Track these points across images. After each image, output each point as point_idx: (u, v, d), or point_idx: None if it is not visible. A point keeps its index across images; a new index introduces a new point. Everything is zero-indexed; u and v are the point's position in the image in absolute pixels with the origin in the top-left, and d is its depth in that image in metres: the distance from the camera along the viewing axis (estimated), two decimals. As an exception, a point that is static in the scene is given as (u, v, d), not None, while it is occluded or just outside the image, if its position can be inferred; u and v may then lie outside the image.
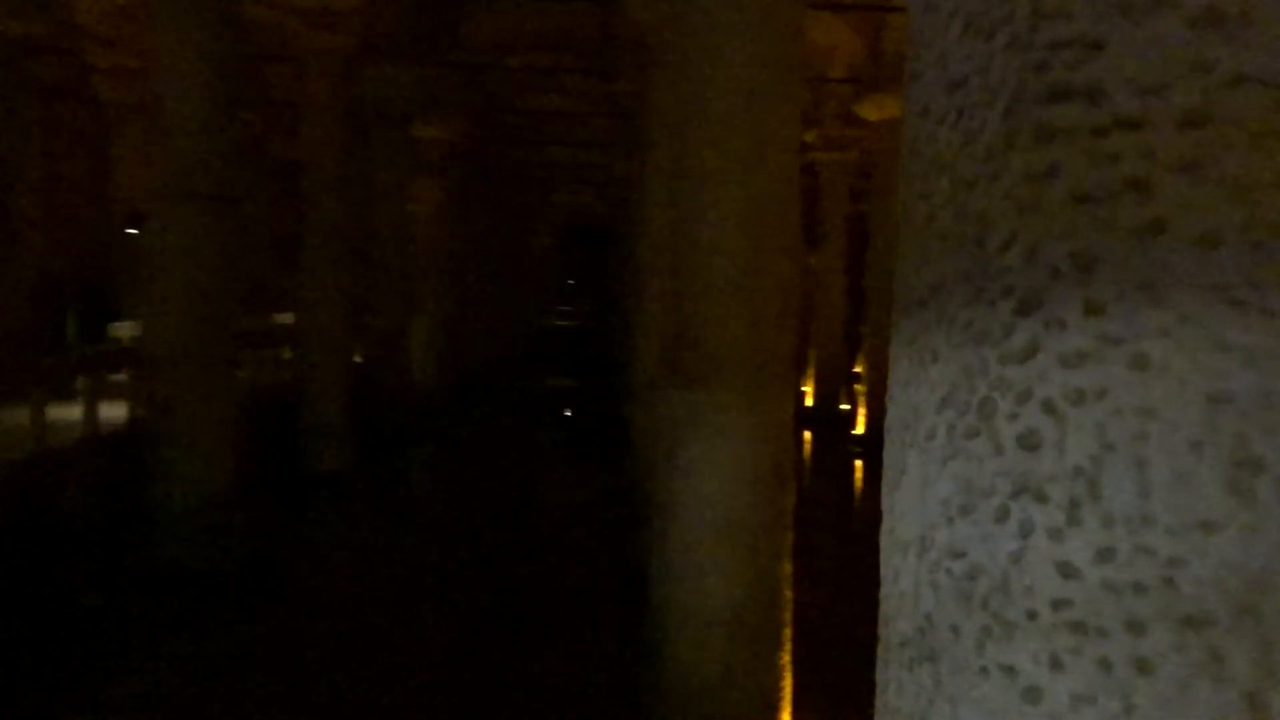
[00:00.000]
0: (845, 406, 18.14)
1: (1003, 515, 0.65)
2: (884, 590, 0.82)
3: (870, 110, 14.06)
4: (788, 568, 4.23)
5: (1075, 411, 0.59)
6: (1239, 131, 0.54)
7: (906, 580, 0.76)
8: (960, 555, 0.69)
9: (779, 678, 4.19)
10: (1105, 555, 0.60)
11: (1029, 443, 0.62)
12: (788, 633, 4.24)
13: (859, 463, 14.66)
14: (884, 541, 0.82)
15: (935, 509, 0.71)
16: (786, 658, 4.23)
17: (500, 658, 6.19)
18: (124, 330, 12.27)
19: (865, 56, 13.74)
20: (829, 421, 17.39)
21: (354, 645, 6.34)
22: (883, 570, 0.83)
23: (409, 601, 7.52)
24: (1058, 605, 0.62)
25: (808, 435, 16.62)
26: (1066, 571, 0.62)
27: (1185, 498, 0.56)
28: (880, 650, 0.84)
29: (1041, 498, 0.62)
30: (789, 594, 4.25)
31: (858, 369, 18.81)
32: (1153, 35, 0.56)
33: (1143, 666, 0.59)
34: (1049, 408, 0.60)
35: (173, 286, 7.34)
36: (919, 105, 0.74)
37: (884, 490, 0.83)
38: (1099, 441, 0.58)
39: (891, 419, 0.80)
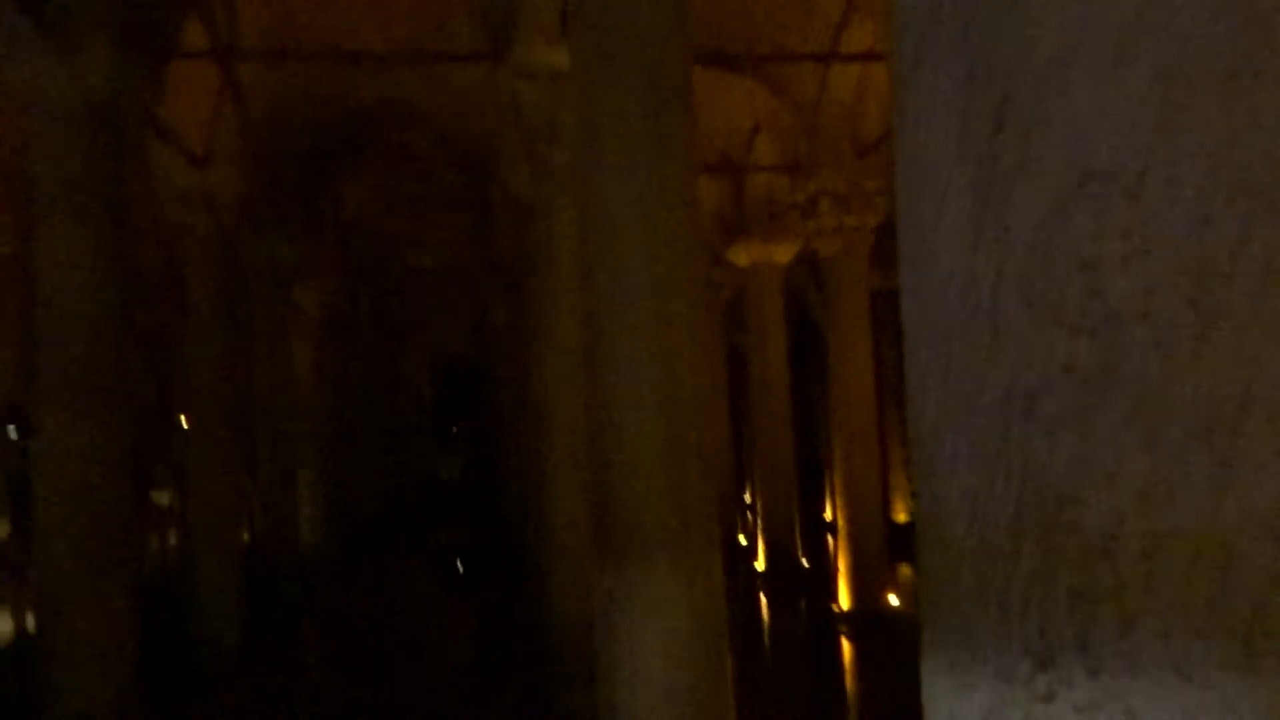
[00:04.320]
0: (805, 563, 15.33)
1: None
2: None
3: (740, 255, 14.89)
4: (731, 730, 4.36)
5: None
6: (1180, 559, 0.83)
7: None
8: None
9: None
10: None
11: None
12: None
13: (846, 643, 11.59)
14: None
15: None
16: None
17: None
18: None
19: (731, 207, 14.65)
20: (790, 584, 14.65)
21: None
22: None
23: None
24: None
25: (764, 601, 14.25)
26: None
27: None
28: None
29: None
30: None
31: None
32: (1112, 497, 0.86)
33: None
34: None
35: (62, 491, 7.11)
36: (934, 496, 1.02)
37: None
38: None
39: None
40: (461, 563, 21.85)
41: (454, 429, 47.77)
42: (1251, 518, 0.82)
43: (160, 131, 9.47)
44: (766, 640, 13.11)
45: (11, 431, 13.99)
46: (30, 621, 8.51)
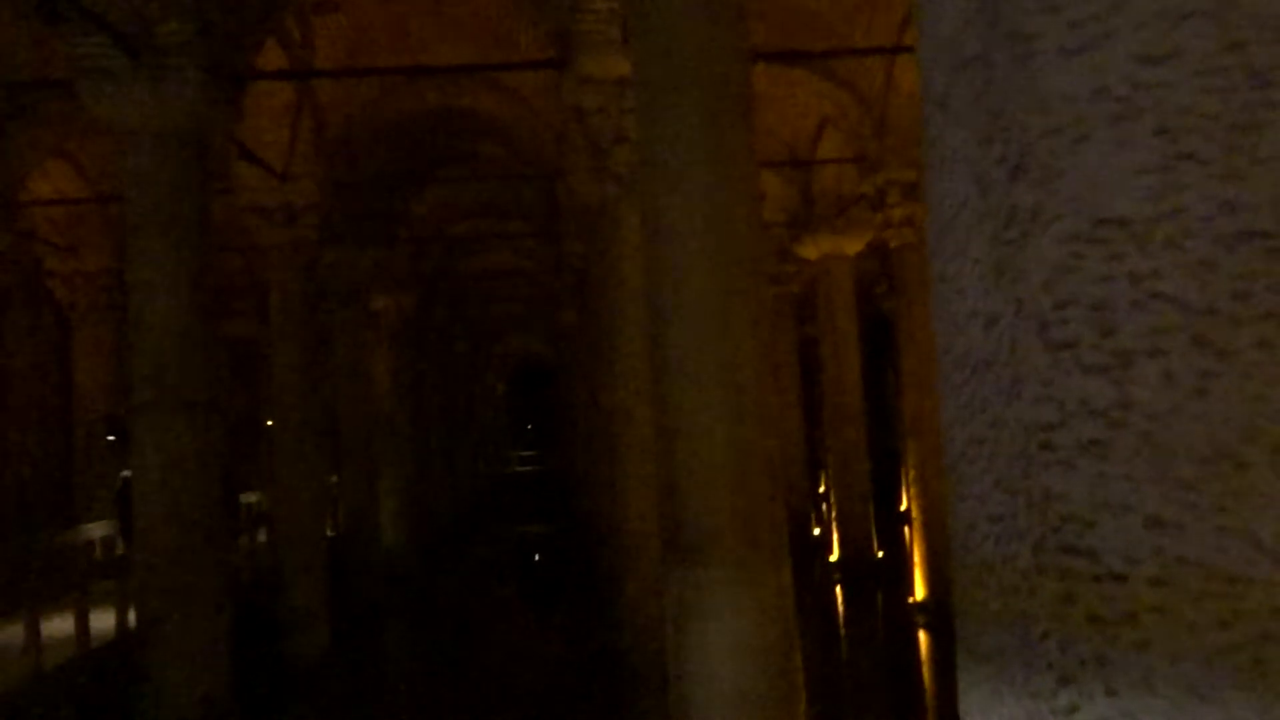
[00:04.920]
0: (881, 554, 15.22)
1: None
2: None
3: (809, 249, 14.84)
4: (803, 733, 4.42)
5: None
6: (1191, 586, 0.88)
7: None
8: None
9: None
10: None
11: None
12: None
13: (923, 635, 11.43)
14: None
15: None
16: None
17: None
18: (95, 532, 12.19)
19: (799, 202, 14.60)
20: (865, 575, 14.59)
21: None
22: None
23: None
24: None
25: (839, 593, 13.95)
26: None
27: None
28: None
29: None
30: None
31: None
32: (1126, 526, 0.91)
33: None
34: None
35: (158, 495, 7.45)
36: (967, 521, 1.08)
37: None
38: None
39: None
40: (537, 557, 22.21)
41: (528, 427, 48.42)
42: (1258, 547, 0.87)
43: (243, 151, 9.83)
44: (843, 632, 13.08)
45: (112, 440, 14.65)
46: (132, 620, 8.93)
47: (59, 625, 8.33)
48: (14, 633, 8.05)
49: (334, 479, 15.13)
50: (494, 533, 25.78)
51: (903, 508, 19.84)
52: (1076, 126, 0.95)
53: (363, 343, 15.16)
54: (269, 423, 24.19)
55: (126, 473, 10.34)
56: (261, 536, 14.03)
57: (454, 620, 14.66)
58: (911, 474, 12.18)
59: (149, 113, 7.66)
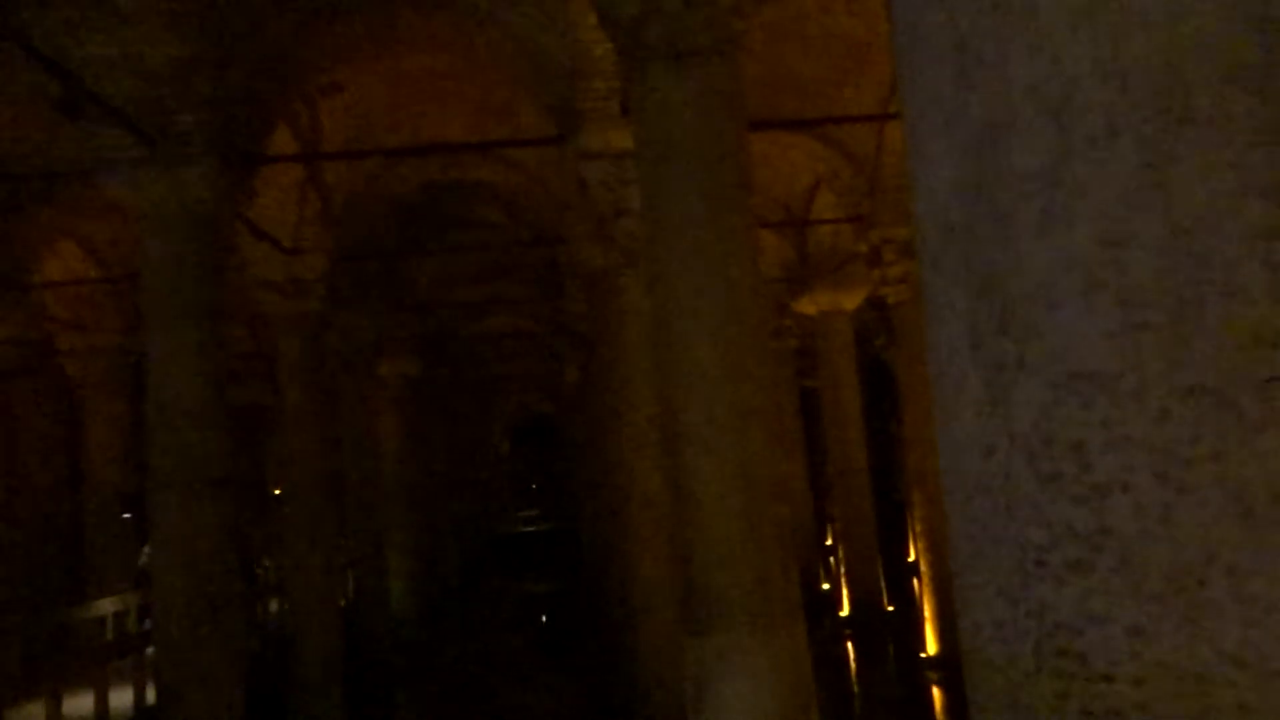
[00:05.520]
0: (891, 608, 15.27)
1: None
2: None
3: (807, 306, 15.08)
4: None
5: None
6: (1165, 686, 1.04)
7: None
8: None
9: None
10: None
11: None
12: None
13: (936, 691, 11.36)
14: None
15: None
16: None
17: None
18: (107, 607, 12.21)
19: (796, 258, 14.86)
20: (876, 629, 14.67)
21: None
22: None
23: None
24: None
25: (850, 649, 13.90)
26: None
27: None
28: None
29: None
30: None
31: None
32: (1108, 634, 1.08)
33: None
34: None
35: (179, 573, 7.56)
36: (973, 622, 1.24)
37: None
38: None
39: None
40: (545, 616, 22.15)
41: (531, 486, 48.36)
42: (1220, 654, 1.03)
43: (252, 228, 10.08)
44: (856, 689, 13.03)
45: (127, 517, 14.74)
46: (150, 696, 8.98)
47: (75, 704, 8.37)
48: (34, 711, 8.10)
49: (342, 544, 15.18)
50: (500, 592, 25.70)
51: (911, 559, 19.85)
52: (1050, 293, 1.13)
53: (370, 408, 15.33)
54: (275, 490, 24.31)
55: (147, 550, 10.43)
56: (273, 605, 14.05)
57: (466, 684, 14.62)
58: (919, 527, 12.26)
59: (165, 198, 7.91)
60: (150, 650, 9.14)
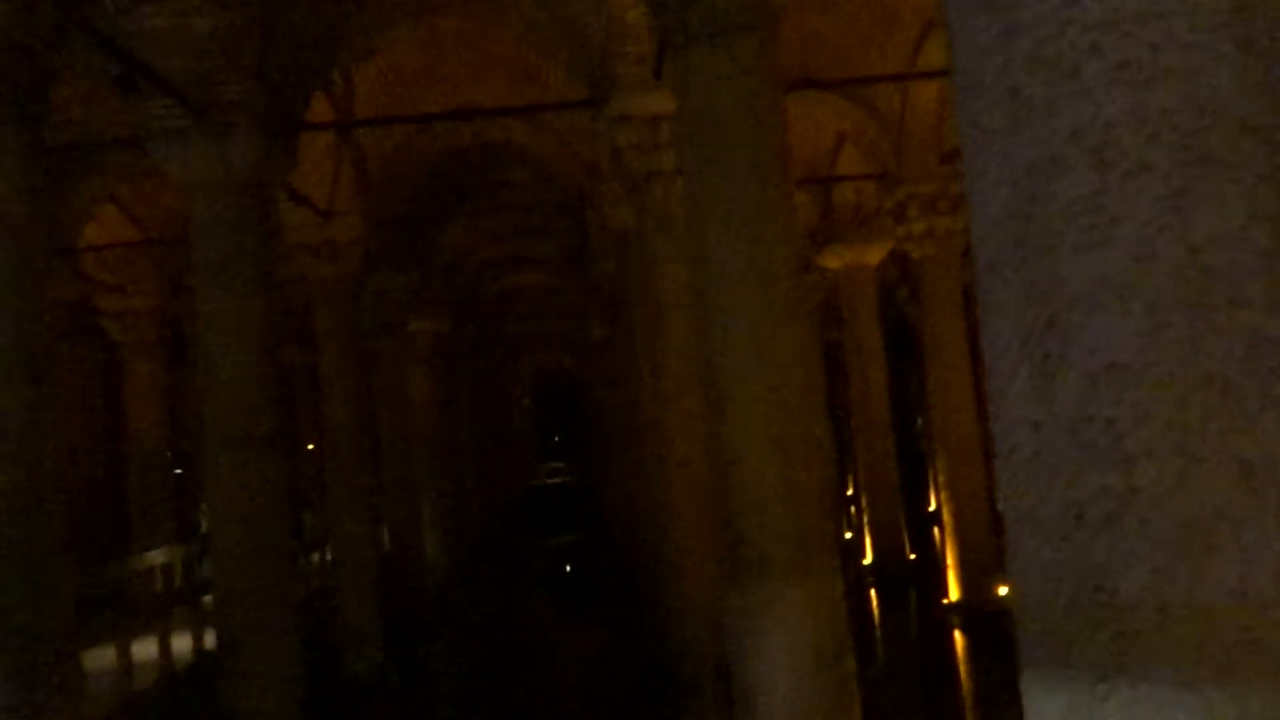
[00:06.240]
0: (913, 556, 15.57)
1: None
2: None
3: (831, 260, 15.25)
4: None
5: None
6: (1182, 616, 1.31)
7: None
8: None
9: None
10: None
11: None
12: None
13: (958, 635, 11.72)
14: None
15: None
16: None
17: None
18: (157, 559, 12.70)
19: (820, 214, 15.01)
20: (898, 577, 14.98)
21: None
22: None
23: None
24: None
25: (873, 597, 14.16)
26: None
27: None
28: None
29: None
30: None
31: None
32: (1135, 575, 1.34)
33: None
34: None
35: (237, 526, 7.94)
36: (1022, 569, 1.51)
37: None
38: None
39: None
40: (570, 567, 22.72)
41: (554, 439, 48.98)
42: (1225, 589, 1.30)
43: (290, 193, 10.34)
44: (879, 635, 13.39)
45: (179, 473, 15.19)
46: (208, 641, 9.44)
47: (137, 650, 8.83)
48: (95, 657, 8.54)
49: (378, 499, 15.62)
50: (527, 545, 26.26)
51: (931, 509, 20.19)
52: (1090, 300, 1.39)
53: (401, 366, 15.68)
54: (309, 446, 24.84)
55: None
56: (315, 558, 14.53)
57: (500, 634, 15.12)
58: (941, 478, 12.54)
59: (213, 167, 8.16)
60: (207, 599, 9.61)
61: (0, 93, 4.89)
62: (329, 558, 14.22)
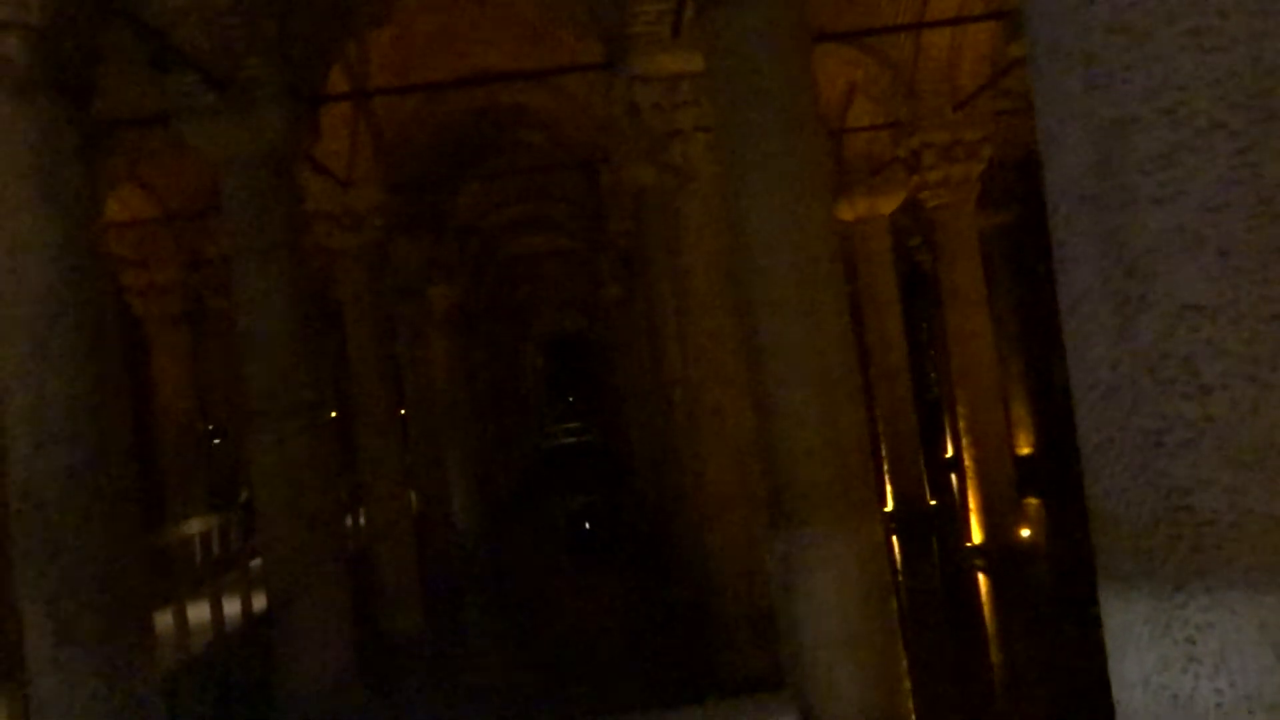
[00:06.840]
0: (934, 502, 15.80)
1: None
2: None
3: (845, 211, 15.30)
4: (904, 664, 5.05)
5: None
6: (1255, 529, 1.46)
7: None
8: None
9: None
10: None
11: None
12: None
13: (982, 577, 11.96)
14: None
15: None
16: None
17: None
18: (196, 527, 12.98)
19: (832, 164, 15.02)
20: (919, 523, 15.14)
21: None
22: None
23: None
24: None
25: (895, 544, 14.18)
26: None
27: None
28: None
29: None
30: (908, 685, 5.06)
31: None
32: (1211, 493, 1.50)
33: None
34: None
35: (282, 492, 8.16)
36: (1101, 493, 1.67)
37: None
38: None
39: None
40: (590, 525, 23.12)
41: (569, 399, 49.30)
42: (1294, 506, 1.46)
43: (312, 163, 10.44)
44: (906, 580, 13.63)
45: (218, 443, 15.44)
46: (256, 606, 9.72)
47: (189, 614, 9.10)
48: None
49: (406, 462, 15.87)
50: (549, 504, 26.61)
51: (948, 455, 20.38)
52: (1166, 247, 1.53)
53: (422, 332, 15.86)
54: (332, 413, 25.12)
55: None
56: (348, 520, 14.81)
57: (533, 590, 15.45)
58: (961, 424, 12.70)
59: (239, 141, 8.28)
60: (254, 563, 9.88)
61: (53, 70, 5.02)
62: (362, 521, 14.50)
